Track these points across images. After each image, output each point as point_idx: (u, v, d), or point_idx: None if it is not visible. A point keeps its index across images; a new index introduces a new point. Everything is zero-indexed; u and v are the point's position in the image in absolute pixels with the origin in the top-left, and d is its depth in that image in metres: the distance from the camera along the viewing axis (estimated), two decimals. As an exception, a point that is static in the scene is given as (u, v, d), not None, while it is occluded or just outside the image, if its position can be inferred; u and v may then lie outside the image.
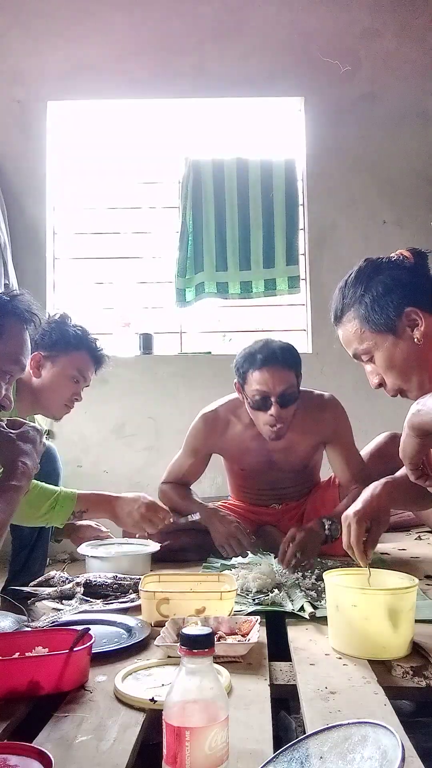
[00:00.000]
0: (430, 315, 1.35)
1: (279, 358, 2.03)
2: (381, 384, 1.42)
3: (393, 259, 1.41)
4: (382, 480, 1.49)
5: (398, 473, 1.55)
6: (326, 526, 1.97)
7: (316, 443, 2.23)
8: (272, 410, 2.02)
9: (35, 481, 1.77)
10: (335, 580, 1.34)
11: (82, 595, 1.67)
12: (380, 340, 1.37)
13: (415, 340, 1.35)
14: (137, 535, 2.00)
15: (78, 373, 2.10)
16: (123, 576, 1.80)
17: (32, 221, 3.38)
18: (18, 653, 1.16)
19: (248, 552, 2.01)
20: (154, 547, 2.03)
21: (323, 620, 1.39)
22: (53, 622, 1.45)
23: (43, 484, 1.78)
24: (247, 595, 1.64)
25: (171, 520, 1.88)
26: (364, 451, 2.32)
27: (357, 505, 1.45)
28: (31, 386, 2.07)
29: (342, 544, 2.07)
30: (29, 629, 1.38)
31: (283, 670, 1.22)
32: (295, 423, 2.12)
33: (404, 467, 1.42)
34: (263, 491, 2.33)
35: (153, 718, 0.98)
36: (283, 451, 2.20)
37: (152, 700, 1.01)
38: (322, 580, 1.61)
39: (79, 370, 2.10)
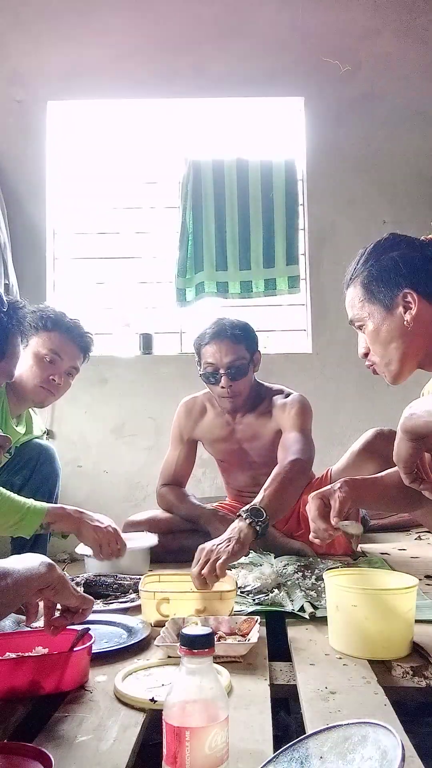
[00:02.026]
0: (429, 304, 1.36)
1: (227, 333, 2.14)
2: (366, 354, 1.46)
3: (417, 240, 1.42)
4: (342, 479, 1.48)
5: (376, 475, 1.56)
6: (250, 522, 1.67)
7: (276, 430, 2.23)
8: (222, 381, 2.13)
9: (6, 492, 1.70)
10: (335, 580, 1.34)
11: (82, 595, 1.67)
12: (374, 312, 1.40)
13: (405, 322, 1.36)
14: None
15: (50, 353, 2.07)
16: (123, 576, 1.79)
17: (32, 221, 3.38)
18: (18, 653, 1.15)
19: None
20: (152, 540, 2.03)
21: (323, 620, 1.39)
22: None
23: (14, 496, 1.70)
24: (247, 595, 1.64)
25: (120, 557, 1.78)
26: (352, 448, 2.32)
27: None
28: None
29: (342, 546, 2.10)
30: (29, 629, 1.38)
31: (283, 670, 1.22)
32: (261, 410, 2.25)
33: (396, 467, 1.43)
34: (248, 488, 2.36)
35: (153, 718, 0.98)
36: (250, 439, 2.28)
37: (152, 700, 1.01)
38: (322, 580, 1.61)
39: (51, 349, 2.07)
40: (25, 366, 2.06)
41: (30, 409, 2.32)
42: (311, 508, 1.40)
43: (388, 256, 1.39)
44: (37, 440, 2.27)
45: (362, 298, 1.42)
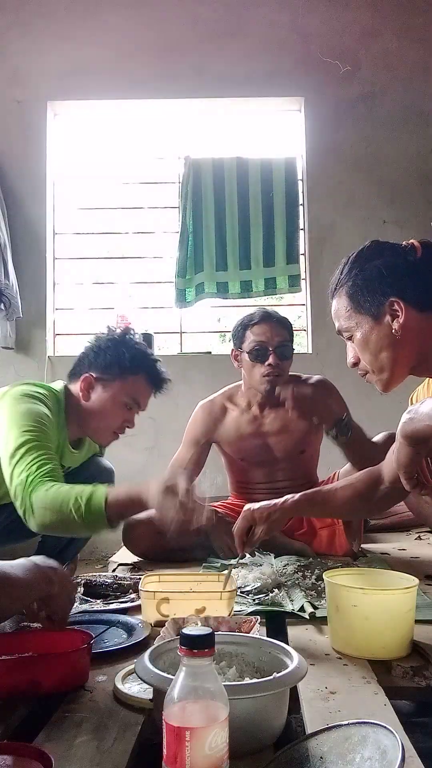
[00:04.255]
0: (416, 311, 1.35)
1: (274, 317, 2.26)
2: (356, 363, 1.46)
3: (399, 246, 1.41)
4: (301, 493, 1.62)
5: (330, 486, 1.65)
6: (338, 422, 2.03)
7: (310, 425, 2.25)
8: (270, 359, 2.19)
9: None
10: (335, 580, 1.34)
11: (82, 595, 1.67)
12: (362, 321, 1.40)
13: (393, 331, 1.35)
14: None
15: (131, 400, 1.91)
16: (123, 576, 1.79)
17: (32, 221, 3.38)
18: (18, 653, 1.15)
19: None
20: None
21: (323, 620, 1.39)
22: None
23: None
24: (247, 595, 1.64)
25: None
26: None
27: (257, 505, 1.60)
28: (79, 409, 1.91)
29: (342, 546, 2.11)
30: (29, 629, 1.38)
31: (283, 670, 1.22)
32: (289, 404, 2.22)
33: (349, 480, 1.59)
34: (261, 486, 2.36)
35: (153, 718, 0.98)
36: (277, 433, 2.29)
37: (152, 700, 1.01)
38: (322, 580, 1.61)
39: (133, 397, 1.91)
40: (100, 407, 1.90)
41: None
42: (238, 524, 1.57)
43: (371, 265, 1.38)
44: (98, 458, 2.13)
45: (348, 308, 1.41)
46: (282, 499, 1.59)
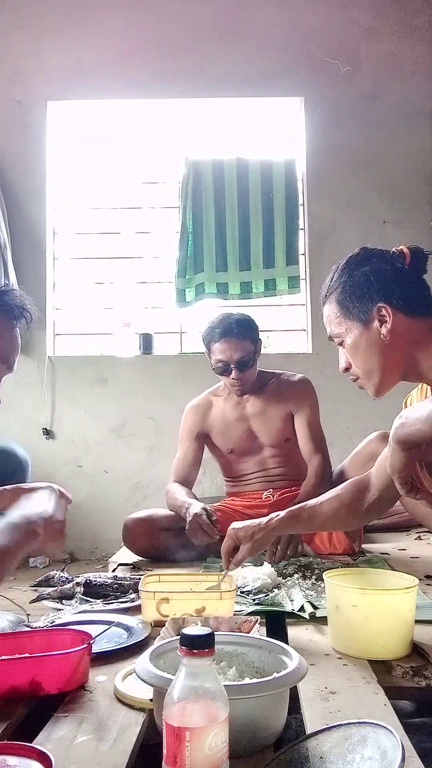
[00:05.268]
0: (404, 316, 1.36)
1: (235, 331, 2.33)
2: (347, 369, 1.49)
3: (388, 253, 1.42)
4: (287, 510, 1.61)
5: (315, 500, 1.63)
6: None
7: (287, 411, 2.44)
8: (233, 374, 2.35)
9: None
10: (335, 580, 1.34)
11: (82, 595, 1.67)
12: (351, 327, 1.41)
13: (382, 336, 1.37)
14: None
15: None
16: (123, 576, 1.80)
17: (32, 221, 3.38)
18: (18, 653, 1.16)
19: (216, 538, 2.01)
20: None
21: (323, 620, 1.39)
22: (53, 622, 1.45)
23: None
24: (247, 595, 1.64)
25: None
26: (355, 450, 2.33)
27: (243, 523, 1.60)
28: None
29: (341, 541, 2.12)
30: (29, 629, 1.38)
31: (283, 670, 1.22)
32: (269, 390, 2.45)
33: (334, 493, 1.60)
34: (253, 475, 2.45)
35: (153, 718, 0.98)
36: (259, 415, 2.44)
37: (152, 700, 1.01)
38: (322, 580, 1.61)
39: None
40: None
41: None
42: (225, 543, 1.58)
43: (359, 271, 1.40)
44: (8, 451, 2.12)
45: (338, 315, 1.43)
46: (267, 518, 1.59)
